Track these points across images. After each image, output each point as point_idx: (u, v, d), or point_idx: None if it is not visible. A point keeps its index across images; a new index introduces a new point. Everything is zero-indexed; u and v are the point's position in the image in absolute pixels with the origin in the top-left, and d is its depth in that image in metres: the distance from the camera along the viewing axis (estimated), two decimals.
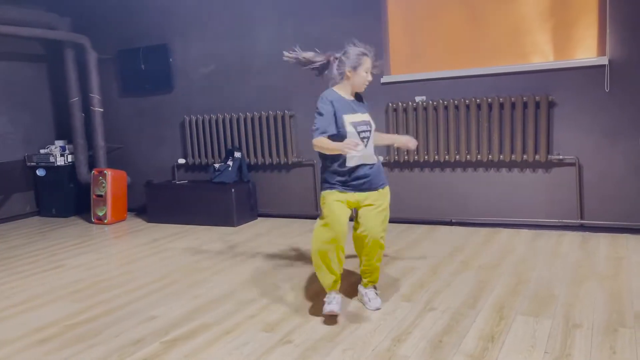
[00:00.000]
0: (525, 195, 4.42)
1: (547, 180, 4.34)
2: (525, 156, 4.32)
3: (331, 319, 2.76)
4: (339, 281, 2.83)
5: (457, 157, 4.56)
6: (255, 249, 4.35)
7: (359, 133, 2.81)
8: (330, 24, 4.95)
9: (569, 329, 2.52)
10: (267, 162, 5.45)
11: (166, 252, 4.39)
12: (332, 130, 2.77)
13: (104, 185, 5.76)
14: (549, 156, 4.26)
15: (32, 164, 6.31)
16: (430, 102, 4.58)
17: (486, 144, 4.43)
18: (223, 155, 5.63)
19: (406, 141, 3.06)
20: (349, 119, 2.81)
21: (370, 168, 2.86)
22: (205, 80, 5.71)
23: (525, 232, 4.33)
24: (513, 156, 4.36)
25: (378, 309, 2.88)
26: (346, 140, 2.66)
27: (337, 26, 4.91)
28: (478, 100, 4.41)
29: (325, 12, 4.99)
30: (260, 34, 5.34)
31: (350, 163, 2.81)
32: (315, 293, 3.18)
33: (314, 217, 5.27)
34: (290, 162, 5.33)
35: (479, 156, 4.48)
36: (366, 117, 2.91)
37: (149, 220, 5.68)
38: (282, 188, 5.50)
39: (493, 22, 4.41)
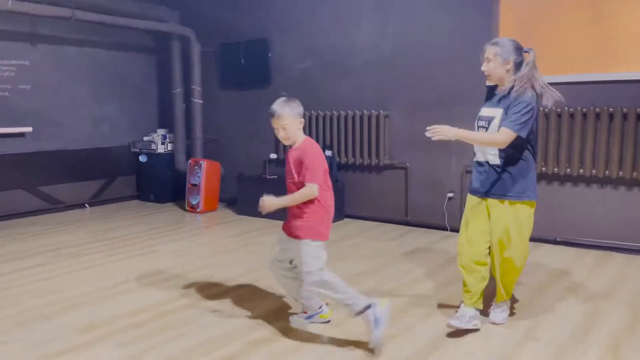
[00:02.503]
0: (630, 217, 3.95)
1: None
2: (635, 174, 3.86)
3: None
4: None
5: (568, 170, 4.17)
6: (343, 250, 4.24)
7: None
8: (434, 21, 4.72)
9: None
10: (357, 163, 5.33)
11: (255, 246, 4.40)
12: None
13: (199, 174, 5.92)
14: None
15: (136, 150, 6.64)
16: (541, 108, 4.21)
17: (603, 157, 4.01)
18: None
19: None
20: None
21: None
22: (302, 77, 5.68)
23: (620, 257, 3.88)
24: (635, 174, 3.91)
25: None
26: None
27: (441, 24, 4.67)
28: (597, 110, 4.00)
29: (428, 7, 4.77)
30: (359, 31, 5.22)
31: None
32: (407, 304, 3.01)
33: (403, 223, 5.10)
34: (381, 164, 5.17)
35: (594, 171, 4.07)
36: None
37: (239, 213, 5.76)
38: (371, 190, 5.35)
39: (618, 23, 3.96)
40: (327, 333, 2.68)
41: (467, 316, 2.67)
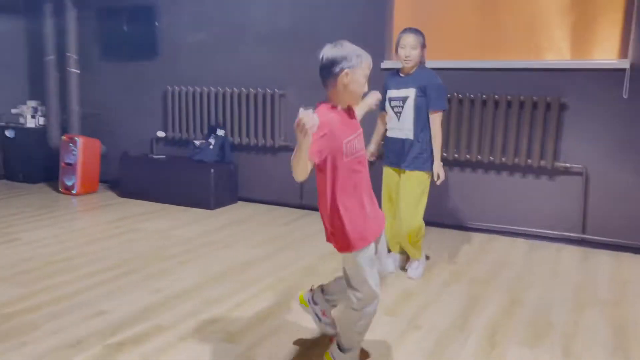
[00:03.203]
0: (526, 203, 4.10)
1: (550, 188, 4.02)
2: (530, 161, 3.99)
3: None
4: None
5: (456, 155, 4.22)
6: (232, 236, 4.00)
7: None
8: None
9: None
10: (252, 143, 5.07)
11: (132, 234, 4.03)
12: None
13: (74, 153, 5.35)
14: (555, 163, 3.93)
15: (2, 124, 5.88)
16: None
17: (488, 144, 4.09)
18: (205, 131, 5.24)
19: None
20: None
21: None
22: (193, 50, 5.28)
23: (521, 243, 4.02)
24: (516, 160, 4.03)
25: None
26: None
27: (338, 1, 4.51)
28: (484, 97, 4.06)
29: None
30: (254, 3, 4.92)
31: None
32: (291, 295, 2.85)
33: (299, 207, 4.94)
34: (276, 145, 4.96)
35: (479, 156, 4.14)
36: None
37: (121, 195, 5.30)
38: (266, 172, 5.13)
39: (506, 12, 4.04)
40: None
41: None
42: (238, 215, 4.69)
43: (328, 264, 3.39)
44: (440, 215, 4.36)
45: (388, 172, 3.29)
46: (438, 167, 3.12)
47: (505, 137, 4.05)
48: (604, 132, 3.81)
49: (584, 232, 3.94)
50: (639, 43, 3.64)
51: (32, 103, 5.99)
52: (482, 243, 4.00)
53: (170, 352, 2.24)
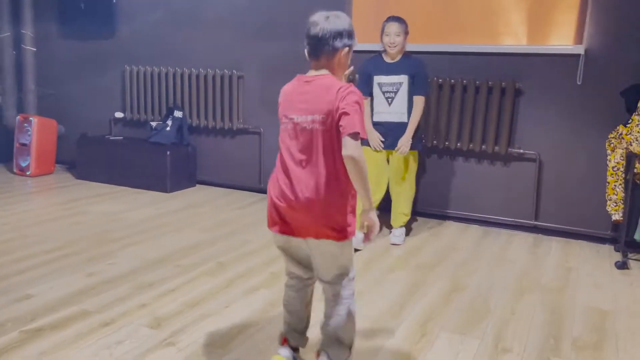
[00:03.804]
0: (480, 189, 4.08)
1: (504, 174, 4.00)
2: (484, 146, 3.95)
3: None
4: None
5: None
6: (184, 220, 3.92)
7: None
8: None
9: (497, 353, 2.20)
10: (210, 126, 4.97)
11: (81, 216, 3.93)
12: None
13: (29, 133, 5.21)
14: (509, 149, 3.90)
15: None
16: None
17: (443, 129, 4.05)
18: (164, 113, 5.13)
19: None
20: None
21: None
22: (152, 28, 5.14)
23: (474, 228, 4.01)
24: (471, 145, 4.00)
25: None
26: None
27: None
28: (440, 81, 4.00)
29: None
30: None
31: None
32: (228, 282, 2.80)
33: (257, 190, 4.87)
34: (235, 128, 4.87)
35: (434, 142, 4.10)
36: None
37: (78, 177, 5.18)
38: (224, 155, 5.04)
39: None
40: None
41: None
42: (194, 198, 4.61)
43: (274, 250, 3.33)
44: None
45: (375, 155, 3.42)
46: (406, 140, 3.41)
47: (460, 123, 4.01)
48: (558, 119, 3.78)
49: (536, 219, 3.93)
50: (594, 29, 3.61)
51: None
52: (434, 228, 3.97)
53: (90, 337, 2.18)
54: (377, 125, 3.43)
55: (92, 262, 3.01)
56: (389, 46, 3.31)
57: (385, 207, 3.63)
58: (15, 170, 5.27)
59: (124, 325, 2.29)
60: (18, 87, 5.56)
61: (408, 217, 3.64)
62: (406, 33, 3.34)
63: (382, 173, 3.49)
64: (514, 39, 3.88)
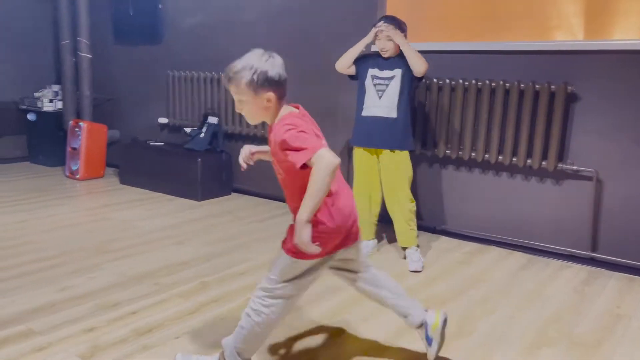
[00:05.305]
0: (526, 210, 3.48)
1: (554, 195, 3.38)
2: (529, 161, 3.36)
3: None
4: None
5: (448, 152, 3.67)
6: (193, 231, 3.75)
7: None
8: None
9: None
10: (245, 133, 4.79)
11: (99, 222, 3.90)
12: None
13: (79, 137, 5.36)
14: (560, 165, 3.28)
15: (24, 107, 6.04)
16: (424, 80, 3.68)
17: (483, 139, 3.51)
18: (202, 118, 5.03)
19: None
20: None
21: None
22: (191, 33, 5.08)
23: (518, 257, 3.42)
24: (514, 159, 3.42)
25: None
26: None
27: None
28: (479, 84, 3.47)
29: None
30: None
31: None
32: (199, 305, 2.55)
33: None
34: (266, 136, 4.63)
35: (473, 154, 3.57)
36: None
37: (122, 182, 5.25)
38: (260, 163, 4.79)
39: None
40: None
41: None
42: (220, 208, 4.44)
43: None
44: (431, 219, 3.85)
45: (364, 154, 3.23)
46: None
47: (501, 133, 3.45)
48: (620, 128, 3.11)
49: (593, 249, 3.27)
50: None
51: (55, 87, 6.10)
52: (470, 254, 3.45)
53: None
54: (365, 120, 3.18)
55: (73, 275, 2.90)
56: (382, 51, 3.14)
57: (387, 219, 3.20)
58: (67, 174, 5.46)
59: (57, 352, 2.11)
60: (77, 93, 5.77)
61: (415, 232, 3.23)
62: (401, 32, 3.09)
63: (373, 182, 3.25)
64: (567, 33, 3.26)
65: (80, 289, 2.72)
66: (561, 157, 3.29)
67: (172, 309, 2.53)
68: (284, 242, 1.81)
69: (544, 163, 3.31)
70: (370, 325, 2.43)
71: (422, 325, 2.00)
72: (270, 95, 1.77)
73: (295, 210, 1.72)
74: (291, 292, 1.80)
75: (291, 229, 1.74)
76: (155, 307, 2.54)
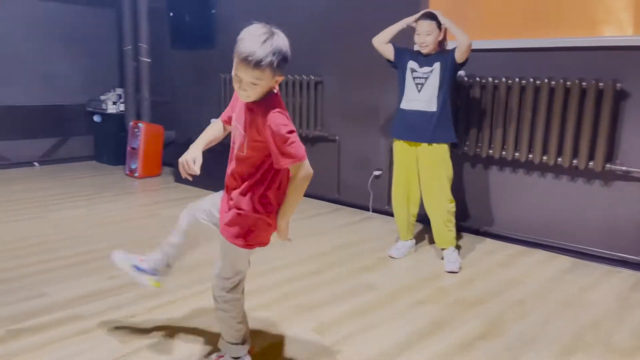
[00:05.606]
0: (573, 212, 3.36)
1: (602, 196, 3.24)
2: (575, 161, 3.24)
3: None
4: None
5: (490, 151, 3.60)
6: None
7: None
8: None
9: None
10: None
11: (145, 220, 4.10)
12: None
13: (138, 137, 5.66)
14: (608, 165, 3.14)
15: (90, 109, 6.45)
16: (465, 78, 3.63)
17: (525, 139, 3.41)
18: None
19: None
20: None
21: None
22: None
23: (562, 260, 3.31)
24: (559, 159, 3.31)
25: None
26: None
27: None
28: (523, 82, 3.39)
29: None
30: None
31: None
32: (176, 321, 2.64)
33: (334, 201, 4.65)
34: (312, 135, 4.71)
35: (516, 154, 3.48)
36: None
37: (177, 180, 5.49)
38: None
39: None
40: None
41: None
42: None
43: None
44: (475, 220, 3.78)
45: (403, 146, 3.22)
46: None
47: (546, 132, 3.34)
48: None
49: None
50: None
51: (119, 90, 6.47)
52: (511, 256, 3.37)
53: (55, 345, 2.17)
54: (405, 113, 3.18)
55: (87, 275, 2.94)
56: (421, 46, 3.12)
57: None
58: (126, 172, 5.77)
59: (99, 335, 2.27)
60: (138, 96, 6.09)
61: (453, 233, 3.18)
62: (439, 28, 3.09)
63: (411, 180, 3.25)
64: (615, 28, 3.12)
65: (126, 279, 2.87)
66: (610, 157, 3.15)
67: (208, 299, 2.64)
68: (235, 237, 1.88)
69: (591, 163, 3.18)
70: (371, 336, 2.43)
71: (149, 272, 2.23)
72: (281, 77, 1.71)
73: (231, 188, 1.91)
74: (243, 276, 1.99)
75: (237, 219, 1.86)
76: (193, 297, 2.66)
